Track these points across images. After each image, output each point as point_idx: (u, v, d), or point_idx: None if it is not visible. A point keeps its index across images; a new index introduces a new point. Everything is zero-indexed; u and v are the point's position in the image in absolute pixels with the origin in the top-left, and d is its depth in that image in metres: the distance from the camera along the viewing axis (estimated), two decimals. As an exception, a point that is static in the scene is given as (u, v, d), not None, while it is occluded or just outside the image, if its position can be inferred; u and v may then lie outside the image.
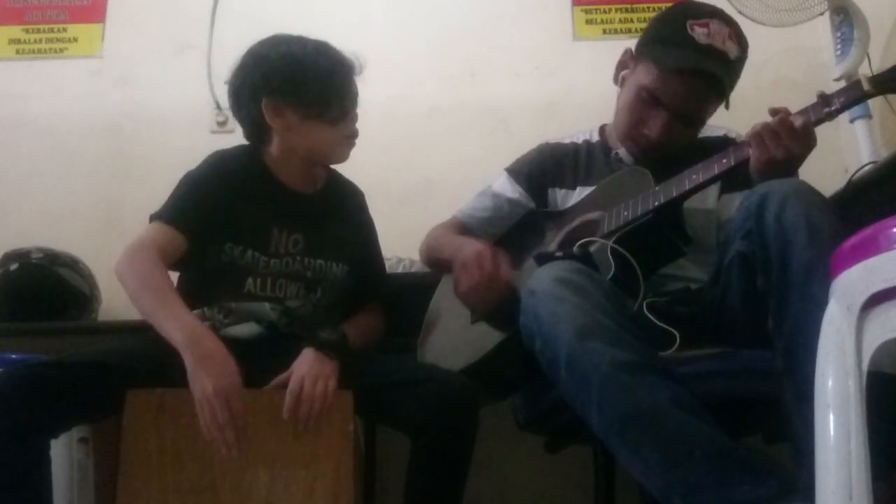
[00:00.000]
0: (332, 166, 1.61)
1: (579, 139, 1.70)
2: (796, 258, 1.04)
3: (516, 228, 1.65)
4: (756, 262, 1.13)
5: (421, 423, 1.27)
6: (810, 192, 1.11)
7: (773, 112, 1.26)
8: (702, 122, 1.57)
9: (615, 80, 1.63)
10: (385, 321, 1.60)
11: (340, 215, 1.57)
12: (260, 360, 1.35)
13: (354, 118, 1.52)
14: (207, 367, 1.21)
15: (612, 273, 1.27)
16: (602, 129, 1.72)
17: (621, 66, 1.61)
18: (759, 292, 1.13)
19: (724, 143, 1.53)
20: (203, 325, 1.26)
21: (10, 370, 1.22)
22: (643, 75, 1.52)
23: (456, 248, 1.54)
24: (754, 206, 1.13)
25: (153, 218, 1.45)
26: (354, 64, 1.52)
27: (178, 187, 1.48)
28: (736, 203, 1.46)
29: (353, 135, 1.52)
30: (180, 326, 1.25)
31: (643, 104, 1.53)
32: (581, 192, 1.59)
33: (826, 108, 1.23)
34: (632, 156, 1.58)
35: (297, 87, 1.44)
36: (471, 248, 1.47)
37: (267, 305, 1.43)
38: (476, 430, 1.29)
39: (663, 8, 1.62)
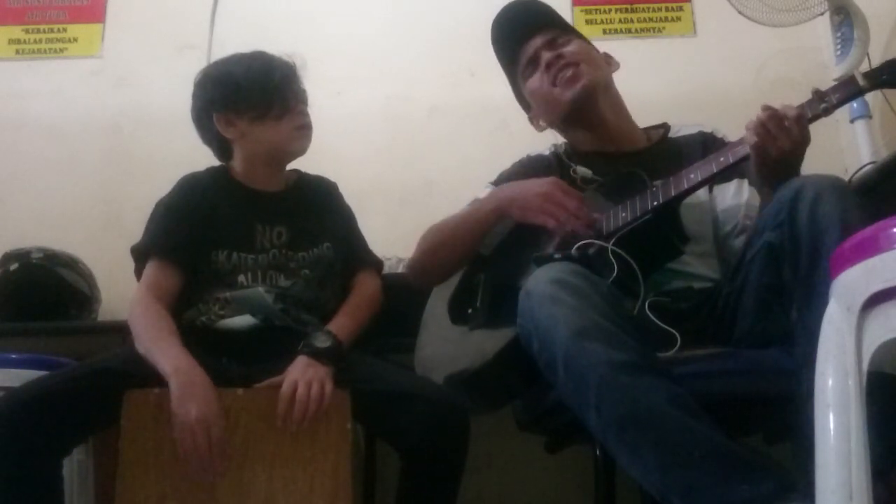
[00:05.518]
0: (302, 170, 1.67)
1: (557, 150, 1.68)
2: (827, 251, 1.02)
3: (516, 231, 1.63)
4: (785, 254, 1.13)
5: (411, 445, 1.29)
6: (845, 189, 1.12)
7: (766, 109, 1.26)
8: (565, 29, 1.64)
9: (533, 123, 1.73)
10: (380, 285, 1.62)
11: (317, 204, 1.62)
12: (256, 354, 1.38)
13: (302, 111, 1.59)
14: (192, 395, 1.23)
15: (614, 275, 1.27)
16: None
17: (526, 110, 1.73)
18: (778, 286, 1.14)
19: (702, 140, 1.55)
20: (192, 358, 1.29)
21: (17, 392, 1.23)
22: (519, 75, 1.67)
23: (499, 197, 1.52)
24: (788, 197, 1.13)
25: (140, 252, 1.50)
26: (291, 63, 1.59)
27: (155, 215, 1.54)
28: (730, 192, 1.49)
29: (303, 126, 1.58)
30: (169, 358, 1.29)
31: (531, 76, 1.62)
32: None
33: (821, 103, 1.23)
34: (594, 155, 1.58)
35: (235, 97, 1.54)
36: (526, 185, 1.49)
37: (261, 289, 1.46)
38: (466, 452, 1.30)
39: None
